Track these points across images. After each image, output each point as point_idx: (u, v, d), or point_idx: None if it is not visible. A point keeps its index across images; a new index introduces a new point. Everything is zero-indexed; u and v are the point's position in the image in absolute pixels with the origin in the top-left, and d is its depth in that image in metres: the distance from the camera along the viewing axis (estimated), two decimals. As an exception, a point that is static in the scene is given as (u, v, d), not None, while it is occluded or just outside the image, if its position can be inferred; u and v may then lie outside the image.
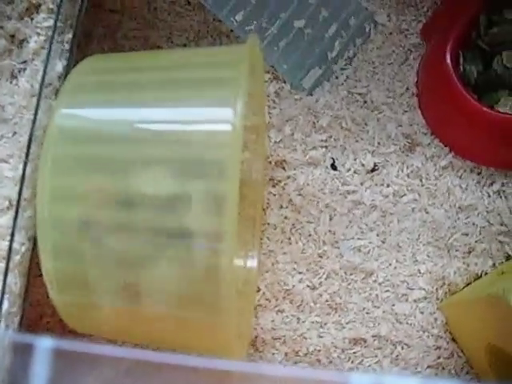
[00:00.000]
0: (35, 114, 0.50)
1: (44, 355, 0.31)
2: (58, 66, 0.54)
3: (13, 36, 0.53)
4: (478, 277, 0.62)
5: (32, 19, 0.54)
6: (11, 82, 0.52)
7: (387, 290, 0.62)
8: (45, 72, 0.52)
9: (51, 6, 0.54)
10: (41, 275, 0.46)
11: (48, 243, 0.44)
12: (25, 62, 0.53)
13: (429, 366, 0.61)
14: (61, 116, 0.47)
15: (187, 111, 0.47)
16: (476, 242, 0.62)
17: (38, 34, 0.53)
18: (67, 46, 0.56)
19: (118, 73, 0.50)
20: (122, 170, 0.44)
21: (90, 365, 0.33)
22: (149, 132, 0.46)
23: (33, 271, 0.51)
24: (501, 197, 0.63)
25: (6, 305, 0.47)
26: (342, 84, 0.66)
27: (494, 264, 0.62)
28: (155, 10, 0.69)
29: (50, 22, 0.54)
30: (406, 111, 0.66)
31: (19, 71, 0.52)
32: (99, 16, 0.69)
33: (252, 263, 0.63)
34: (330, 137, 0.65)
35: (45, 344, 0.32)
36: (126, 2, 0.69)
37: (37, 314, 0.61)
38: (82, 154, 0.45)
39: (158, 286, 0.45)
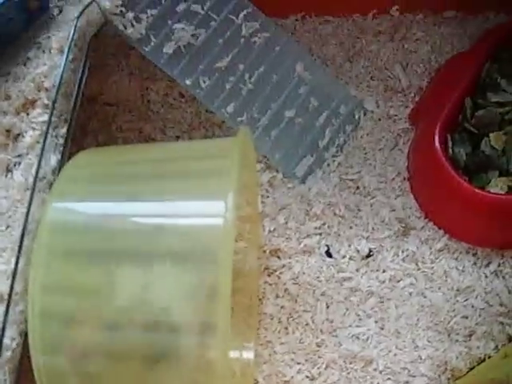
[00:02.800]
0: (28, 208, 0.50)
1: None
2: (53, 159, 0.55)
3: (8, 131, 0.54)
4: (482, 360, 0.60)
5: (28, 114, 0.55)
6: (6, 176, 0.52)
7: (388, 378, 0.61)
8: (39, 166, 0.52)
9: (46, 102, 0.55)
10: (31, 369, 0.45)
11: (37, 338, 0.44)
12: (20, 155, 0.53)
13: None
14: (53, 210, 0.47)
15: (179, 205, 0.47)
16: (476, 324, 0.61)
17: (33, 129, 0.54)
18: (61, 141, 0.56)
19: (110, 167, 0.51)
20: (110, 264, 0.44)
21: None
22: (140, 226, 0.46)
23: (24, 365, 0.50)
24: (498, 277, 0.63)
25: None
26: (334, 171, 0.67)
27: (496, 346, 0.61)
28: (149, 102, 0.71)
29: (45, 117, 0.55)
30: (398, 195, 0.66)
31: (14, 165, 0.53)
32: (94, 109, 0.70)
33: (248, 354, 0.62)
34: (324, 224, 0.65)
35: None
36: (120, 96, 0.71)
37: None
38: (73, 248, 0.45)
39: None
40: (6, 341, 0.47)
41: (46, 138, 0.54)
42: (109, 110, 0.70)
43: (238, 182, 0.45)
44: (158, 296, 0.43)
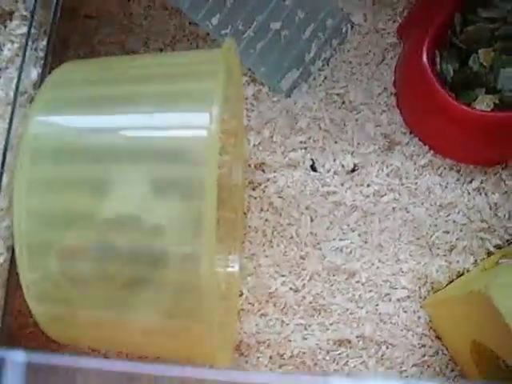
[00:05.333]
0: (10, 123, 0.49)
1: (17, 369, 0.31)
2: (33, 73, 0.54)
3: (-14, 44, 0.53)
4: (461, 274, 0.62)
5: (5, 26, 0.53)
6: (-15, 91, 0.52)
7: (370, 290, 0.62)
8: (19, 80, 0.51)
9: (24, 13, 0.54)
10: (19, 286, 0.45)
11: (24, 253, 0.44)
12: (-1, 70, 0.52)
13: (414, 365, 0.61)
14: (35, 124, 0.46)
15: (164, 118, 0.46)
16: (457, 239, 0.63)
17: (12, 42, 0.53)
18: (42, 54, 0.55)
19: (93, 81, 0.50)
20: (98, 187, 0.44)
21: (65, 378, 0.32)
22: (124, 140, 0.46)
23: (13, 282, 0.50)
24: (480, 194, 0.63)
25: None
26: (320, 85, 0.66)
27: (475, 261, 0.62)
28: (131, 15, 0.69)
29: (24, 29, 0.53)
30: (384, 111, 0.66)
31: (-7, 80, 0.52)
32: (75, 22, 0.68)
33: (233, 267, 0.63)
34: (309, 138, 0.65)
35: (18, 358, 0.31)
36: (101, 8, 0.69)
37: (18, 324, 0.61)
38: (59, 166, 0.45)
39: (145, 302, 0.45)
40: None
41: (25, 50, 0.53)
42: (90, 22, 0.69)
43: (223, 94, 0.45)
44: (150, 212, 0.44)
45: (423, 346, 0.61)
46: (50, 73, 0.52)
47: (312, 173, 0.64)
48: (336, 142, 0.65)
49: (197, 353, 0.48)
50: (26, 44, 0.53)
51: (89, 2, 0.68)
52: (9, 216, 0.48)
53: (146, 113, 0.46)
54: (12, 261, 0.49)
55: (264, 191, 0.64)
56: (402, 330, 0.61)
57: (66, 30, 0.68)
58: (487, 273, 0.57)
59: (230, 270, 0.63)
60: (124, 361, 0.51)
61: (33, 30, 0.54)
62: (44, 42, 0.55)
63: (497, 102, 0.61)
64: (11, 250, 0.49)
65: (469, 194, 0.64)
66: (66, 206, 0.44)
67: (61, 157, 0.46)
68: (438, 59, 0.62)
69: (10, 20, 0.53)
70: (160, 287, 0.44)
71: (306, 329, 0.62)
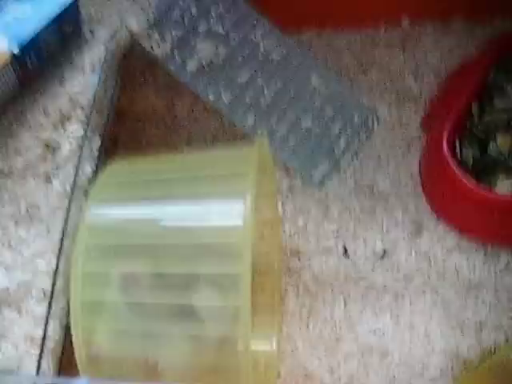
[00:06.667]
0: (67, 213, 0.55)
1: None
2: (88, 170, 0.60)
3: (47, 145, 0.59)
4: (493, 353, 0.64)
5: (65, 130, 0.60)
6: (46, 186, 0.57)
7: (403, 371, 0.64)
8: (76, 176, 0.57)
9: (82, 118, 0.60)
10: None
11: (79, 328, 0.48)
12: (57, 168, 0.58)
13: None
14: (91, 213, 0.52)
15: (204, 208, 0.51)
16: (487, 318, 0.65)
17: (70, 143, 0.59)
18: (96, 153, 0.61)
19: (139, 174, 0.56)
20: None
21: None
22: (167, 227, 0.51)
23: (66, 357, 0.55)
24: (508, 273, 0.66)
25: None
26: (350, 177, 0.71)
27: (506, 339, 0.64)
28: (175, 117, 0.75)
29: (81, 132, 0.60)
30: (411, 198, 0.70)
31: (53, 175, 0.58)
32: (125, 124, 0.75)
33: (272, 348, 0.66)
34: (341, 227, 0.69)
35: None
36: (149, 110, 0.76)
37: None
38: (109, 244, 0.50)
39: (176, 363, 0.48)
40: (49, 333, 0.52)
41: (82, 150, 0.59)
42: (138, 124, 0.75)
43: (256, 185, 0.50)
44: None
45: (458, 424, 0.62)
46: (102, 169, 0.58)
47: (344, 259, 0.68)
48: (366, 229, 0.69)
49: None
50: (83, 144, 0.59)
51: (138, 105, 0.76)
52: (64, 297, 0.53)
53: (188, 202, 0.51)
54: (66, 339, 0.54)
55: (300, 277, 0.68)
56: (436, 409, 0.63)
57: (117, 131, 0.74)
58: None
59: (268, 350, 0.65)
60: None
61: (88, 133, 0.60)
62: (98, 143, 0.62)
63: (517, 184, 0.65)
64: (65, 328, 0.53)
65: (496, 273, 0.66)
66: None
67: (110, 237, 0.51)
68: (458, 148, 0.67)
69: (69, 123, 0.59)
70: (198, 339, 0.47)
71: (342, 409, 0.64)
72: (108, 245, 0.51)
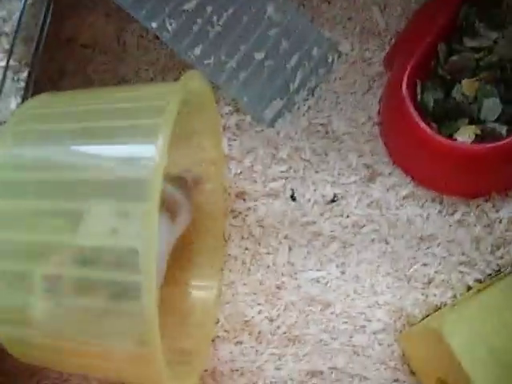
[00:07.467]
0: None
1: None
2: (13, 103, 0.56)
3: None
4: (438, 308, 0.61)
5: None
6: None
7: (345, 322, 0.62)
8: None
9: (6, 47, 0.56)
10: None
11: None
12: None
13: (386, 399, 0.61)
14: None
15: (117, 143, 0.48)
16: (436, 272, 0.62)
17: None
18: (22, 84, 0.57)
19: (58, 107, 0.52)
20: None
21: None
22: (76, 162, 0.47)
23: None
24: (462, 226, 0.62)
25: None
26: (304, 115, 0.66)
27: (454, 295, 0.61)
28: (124, 44, 0.70)
29: (4, 62, 0.56)
30: (367, 141, 0.65)
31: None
32: (71, 51, 0.71)
33: (211, 294, 0.63)
34: (290, 168, 0.65)
35: None
36: (97, 37, 0.71)
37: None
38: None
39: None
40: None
41: (3, 82, 0.56)
42: (86, 51, 0.71)
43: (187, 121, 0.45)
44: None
45: (396, 380, 0.60)
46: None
47: (292, 203, 0.64)
48: (317, 172, 0.65)
49: (143, 374, 0.49)
50: (4, 76, 0.56)
51: (85, 31, 0.71)
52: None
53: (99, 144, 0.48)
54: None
55: (244, 220, 0.65)
56: (375, 363, 0.61)
57: (63, 59, 0.70)
58: (454, 309, 0.56)
59: (206, 296, 0.63)
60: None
61: (14, 63, 0.56)
62: (25, 74, 0.58)
63: (479, 132, 0.60)
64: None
65: (450, 226, 0.62)
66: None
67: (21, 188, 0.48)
68: (418, 90, 0.62)
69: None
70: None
71: (279, 359, 0.62)
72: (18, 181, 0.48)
